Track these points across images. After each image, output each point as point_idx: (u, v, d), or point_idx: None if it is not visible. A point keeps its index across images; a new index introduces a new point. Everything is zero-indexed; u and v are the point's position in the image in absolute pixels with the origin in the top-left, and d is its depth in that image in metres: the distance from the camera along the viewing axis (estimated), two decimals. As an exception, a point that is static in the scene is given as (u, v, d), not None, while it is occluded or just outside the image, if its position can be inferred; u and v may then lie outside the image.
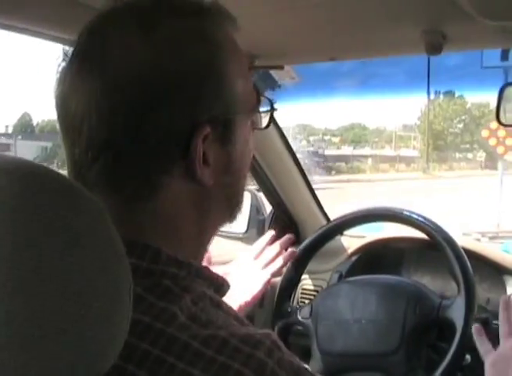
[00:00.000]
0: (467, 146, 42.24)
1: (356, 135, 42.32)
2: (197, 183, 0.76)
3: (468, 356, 1.53)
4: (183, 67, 0.73)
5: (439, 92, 40.62)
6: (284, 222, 2.28)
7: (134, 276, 0.65)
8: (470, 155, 42.30)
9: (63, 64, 0.78)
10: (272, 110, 0.93)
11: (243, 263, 1.68)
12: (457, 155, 41.58)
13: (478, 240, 2.23)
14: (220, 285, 0.81)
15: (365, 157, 36.79)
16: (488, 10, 1.16)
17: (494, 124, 11.25)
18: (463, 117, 42.51)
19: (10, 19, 1.20)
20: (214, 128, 0.76)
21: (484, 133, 12.16)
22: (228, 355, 0.66)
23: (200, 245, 0.83)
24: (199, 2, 0.79)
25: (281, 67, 1.67)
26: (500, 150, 11.94)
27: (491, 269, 1.80)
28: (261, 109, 0.90)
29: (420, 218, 1.65)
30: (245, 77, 0.82)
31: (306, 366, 0.72)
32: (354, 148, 39.35)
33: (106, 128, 0.72)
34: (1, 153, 0.68)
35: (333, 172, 30.46)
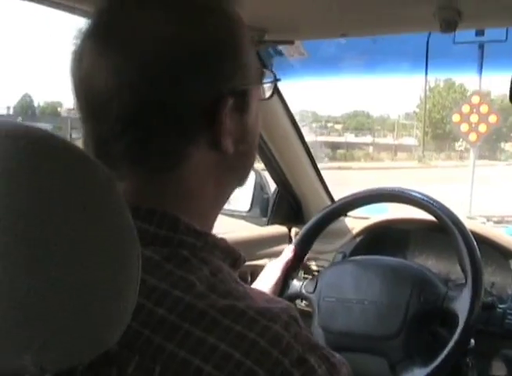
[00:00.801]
0: None
1: (359, 122, 42.23)
2: (220, 152, 0.78)
3: (472, 340, 1.52)
4: (205, 42, 0.75)
5: (439, 80, 40.47)
6: (288, 201, 2.28)
7: (153, 244, 0.70)
8: (468, 145, 42.15)
9: (79, 42, 0.78)
10: (276, 81, 0.94)
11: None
12: (456, 144, 41.12)
13: (483, 223, 2.21)
14: (237, 257, 0.81)
15: (366, 144, 36.79)
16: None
17: (466, 108, 9.61)
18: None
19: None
20: (236, 98, 0.78)
21: (455, 118, 9.96)
22: (244, 325, 0.66)
23: (214, 212, 0.85)
24: None
25: (291, 42, 1.66)
26: (472, 137, 9.95)
27: (496, 252, 1.79)
28: (266, 80, 0.91)
29: (427, 199, 1.62)
30: (252, 49, 0.84)
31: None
32: (356, 136, 39.29)
33: (135, 101, 0.74)
34: (9, 120, 0.67)
35: (326, 159, 30.38)
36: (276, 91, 1.92)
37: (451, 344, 1.43)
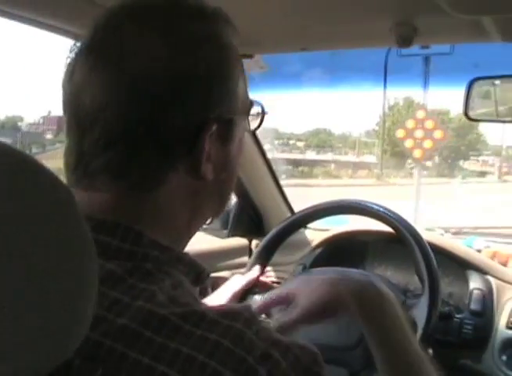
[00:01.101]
0: (427, 153, 42.53)
1: (321, 140, 42.20)
2: (198, 179, 0.79)
3: (430, 350, 1.54)
4: (196, 68, 0.76)
5: (398, 98, 40.75)
6: (249, 213, 2.28)
7: (116, 257, 0.70)
8: (428, 162, 42.48)
9: (70, 59, 0.80)
10: (263, 113, 0.96)
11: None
12: (408, 162, 41.61)
13: (442, 235, 2.24)
14: (200, 271, 0.82)
15: (328, 162, 36.80)
16: (459, 4, 1.16)
17: (411, 123, 9.33)
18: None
19: (19, 8, 1.21)
20: (219, 126, 0.78)
21: (400, 133, 9.63)
22: (205, 328, 0.66)
23: (187, 235, 0.85)
24: (209, 6, 0.82)
25: (250, 56, 1.66)
26: (417, 153, 9.50)
27: (454, 263, 1.82)
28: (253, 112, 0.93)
29: (385, 212, 1.64)
30: (244, 80, 0.85)
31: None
32: (317, 153, 39.33)
33: (122, 119, 0.75)
34: None
35: (283, 176, 30.31)
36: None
37: None
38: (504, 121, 1.73)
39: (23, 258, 0.55)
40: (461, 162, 41.96)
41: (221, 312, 0.69)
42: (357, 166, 36.35)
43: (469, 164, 41.75)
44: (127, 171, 0.76)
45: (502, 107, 1.65)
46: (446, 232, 2.34)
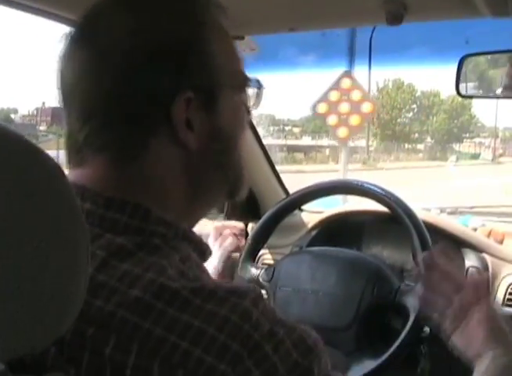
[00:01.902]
0: (417, 136, 41.87)
1: (317, 125, 42.07)
2: (182, 146, 0.81)
3: (428, 328, 1.54)
4: (166, 41, 0.80)
5: (388, 80, 40.21)
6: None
7: (126, 232, 0.75)
8: (420, 146, 41.84)
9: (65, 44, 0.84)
10: (261, 89, 0.99)
11: None
12: (406, 146, 41.14)
13: (438, 214, 2.24)
14: (204, 249, 0.85)
15: (323, 147, 36.55)
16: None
17: (334, 95, 7.06)
18: (413, 106, 42.06)
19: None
20: (198, 95, 0.81)
21: (322, 108, 7.35)
22: (215, 303, 0.69)
23: (191, 212, 0.88)
24: None
25: (241, 38, 1.66)
26: (342, 132, 7.29)
27: (450, 242, 1.81)
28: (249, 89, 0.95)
29: (380, 191, 1.64)
30: (231, 55, 0.88)
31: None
32: (312, 138, 39.14)
33: (95, 92, 0.79)
34: None
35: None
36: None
37: (400, 338, 1.44)
38: (498, 97, 1.72)
39: (15, 237, 0.56)
40: (454, 145, 41.77)
41: (229, 289, 0.72)
42: (351, 151, 36.17)
43: (462, 147, 41.62)
44: (105, 142, 0.79)
45: (496, 83, 1.64)
46: (442, 211, 2.34)
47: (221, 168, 0.88)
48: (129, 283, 0.70)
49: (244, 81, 0.91)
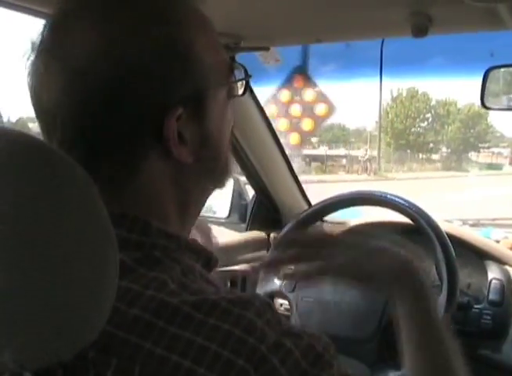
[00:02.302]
0: (431, 145, 41.05)
1: (335, 135, 41.77)
2: (175, 162, 0.76)
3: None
4: (140, 53, 0.72)
5: (402, 89, 39.03)
6: (267, 206, 2.28)
7: (124, 248, 0.66)
8: (435, 156, 41.02)
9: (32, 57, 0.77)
10: (247, 77, 0.91)
11: None
12: (420, 155, 40.34)
13: (460, 226, 2.23)
14: (209, 258, 0.81)
15: (340, 157, 36.33)
16: (474, -8, 1.16)
17: (285, 95, 5.63)
18: (427, 116, 41.26)
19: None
20: (187, 107, 0.75)
21: (271, 110, 6.11)
22: (217, 317, 0.66)
23: (186, 219, 0.83)
24: None
25: (267, 49, 1.66)
26: (294, 138, 6.06)
27: (472, 254, 1.81)
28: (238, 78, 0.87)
29: (403, 202, 1.64)
30: (214, 48, 0.81)
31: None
32: (329, 148, 38.92)
33: (77, 120, 0.73)
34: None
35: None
36: (252, 96, 1.94)
37: None
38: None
39: (45, 247, 0.56)
40: (470, 154, 40.82)
41: (232, 300, 0.69)
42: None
43: (479, 157, 40.96)
44: (95, 170, 0.69)
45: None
46: (464, 223, 2.33)
47: (212, 173, 0.84)
48: (128, 302, 0.67)
49: (229, 73, 0.84)
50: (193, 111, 0.76)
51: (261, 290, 1.73)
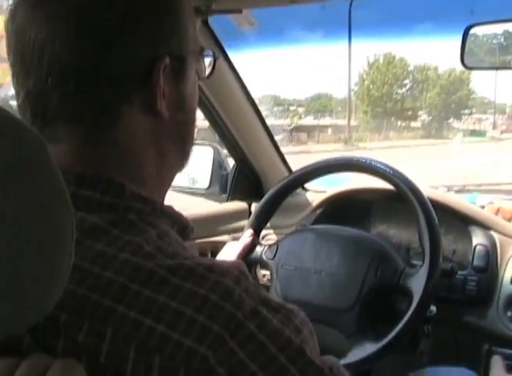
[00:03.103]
0: (410, 113, 40.00)
1: (322, 104, 41.46)
2: (155, 115, 0.78)
3: (434, 307, 1.51)
4: (142, 3, 0.76)
5: (378, 54, 37.96)
6: (247, 176, 2.26)
7: (98, 210, 0.70)
8: (414, 123, 40.13)
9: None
10: (215, 58, 0.94)
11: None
12: (399, 123, 39.34)
13: (445, 192, 2.21)
14: (184, 225, 0.82)
15: (326, 126, 36.02)
16: None
17: None
18: (405, 82, 40.16)
19: None
20: (171, 62, 0.78)
21: None
22: (194, 281, 0.66)
23: (161, 186, 0.85)
24: None
25: (239, 11, 1.62)
26: None
27: (457, 220, 1.79)
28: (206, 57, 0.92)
29: (385, 168, 1.61)
30: (193, 22, 0.85)
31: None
32: (314, 118, 38.72)
33: (69, 52, 0.73)
34: None
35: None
36: (229, 64, 1.90)
37: (404, 320, 1.43)
38: (506, 68, 1.67)
39: None
40: (451, 121, 40.33)
41: (210, 266, 0.68)
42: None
43: (461, 123, 40.67)
44: (78, 109, 0.74)
45: (504, 56, 1.60)
46: (449, 190, 2.31)
47: (182, 141, 0.85)
48: (102, 265, 0.67)
49: (201, 50, 0.88)
50: (175, 70, 0.79)
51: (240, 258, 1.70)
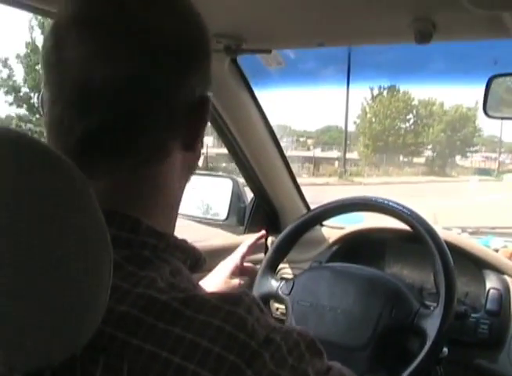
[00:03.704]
0: (412, 148, 39.35)
1: (331, 137, 41.16)
2: (192, 151, 0.80)
3: (445, 349, 1.52)
4: (200, 38, 0.79)
5: (383, 87, 37.19)
6: (265, 210, 2.28)
7: (113, 246, 0.65)
8: (417, 159, 39.45)
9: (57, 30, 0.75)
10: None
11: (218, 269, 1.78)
12: (401, 159, 38.76)
13: (459, 234, 2.22)
14: (197, 258, 0.82)
15: (333, 159, 35.67)
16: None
17: None
18: (408, 117, 39.52)
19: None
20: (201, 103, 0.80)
21: None
22: (207, 313, 0.66)
23: (174, 216, 0.85)
24: None
25: (268, 51, 1.66)
26: None
27: (471, 263, 1.80)
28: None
29: (403, 209, 1.63)
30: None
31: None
32: (322, 150, 38.34)
33: (132, 90, 0.73)
34: None
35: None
36: (253, 98, 1.94)
37: (417, 360, 1.43)
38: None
39: (41, 248, 0.56)
40: (457, 159, 39.51)
41: (222, 297, 0.69)
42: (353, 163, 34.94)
43: (465, 161, 39.95)
44: (136, 145, 0.75)
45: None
46: (463, 231, 2.32)
47: (190, 173, 0.87)
48: (117, 300, 0.66)
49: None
50: (207, 107, 0.81)
51: (256, 292, 1.72)
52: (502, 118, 1.60)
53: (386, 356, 1.54)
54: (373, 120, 37.99)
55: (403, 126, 39.92)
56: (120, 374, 0.64)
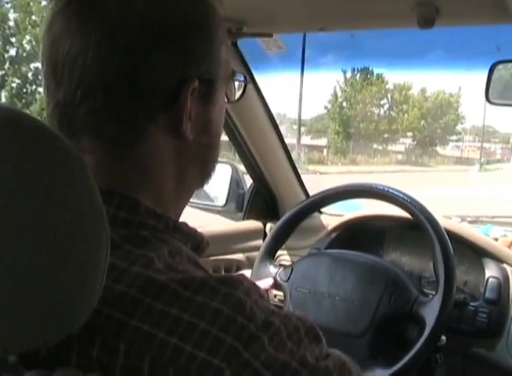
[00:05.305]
0: (387, 135, 37.35)
1: (324, 125, 40.66)
2: (179, 137, 0.78)
3: (443, 337, 1.52)
4: (179, 18, 0.76)
5: (356, 70, 34.71)
6: (264, 196, 2.27)
7: (112, 225, 0.65)
8: (393, 147, 37.62)
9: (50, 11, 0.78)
10: (246, 82, 0.96)
11: None
12: (374, 147, 36.68)
13: (458, 223, 2.21)
14: (199, 241, 0.82)
15: (322, 147, 35.14)
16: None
17: None
18: (382, 102, 37.22)
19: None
20: (200, 85, 0.78)
21: None
22: (205, 295, 0.66)
23: (178, 204, 0.85)
24: None
25: (269, 35, 1.65)
26: None
27: (470, 251, 1.79)
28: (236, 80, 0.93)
29: (403, 196, 1.62)
30: (227, 46, 0.86)
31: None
32: (311, 138, 37.78)
33: (100, 66, 0.73)
34: None
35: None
36: (253, 84, 1.93)
37: (416, 348, 1.44)
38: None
39: (38, 229, 0.55)
40: (438, 148, 37.79)
41: (221, 279, 0.69)
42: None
43: (445, 150, 38.31)
44: (106, 128, 0.75)
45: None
46: (463, 220, 2.32)
47: (204, 163, 0.86)
48: (114, 278, 0.66)
49: (233, 74, 0.89)
50: (203, 92, 0.79)
51: (255, 278, 1.71)
52: (505, 105, 1.59)
53: (384, 343, 1.54)
54: (344, 105, 36.56)
55: (376, 111, 38.07)
56: (116, 354, 0.64)
